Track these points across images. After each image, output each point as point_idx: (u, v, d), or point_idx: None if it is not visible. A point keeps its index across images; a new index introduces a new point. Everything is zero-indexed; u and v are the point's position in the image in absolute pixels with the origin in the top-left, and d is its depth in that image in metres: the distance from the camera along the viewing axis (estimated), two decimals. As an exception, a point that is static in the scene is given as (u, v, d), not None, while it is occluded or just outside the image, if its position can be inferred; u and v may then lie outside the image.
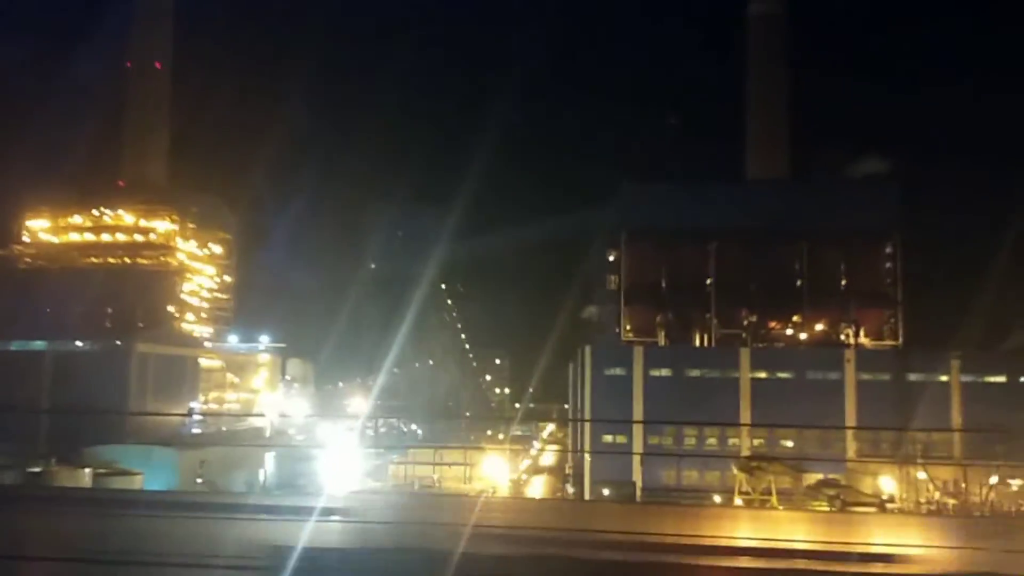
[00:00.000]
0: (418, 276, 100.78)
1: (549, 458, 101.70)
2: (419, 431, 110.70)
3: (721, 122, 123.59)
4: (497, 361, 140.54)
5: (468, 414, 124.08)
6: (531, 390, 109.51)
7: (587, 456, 68.19)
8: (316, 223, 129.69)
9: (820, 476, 57.87)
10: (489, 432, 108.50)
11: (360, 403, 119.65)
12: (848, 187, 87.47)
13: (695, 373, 69.76)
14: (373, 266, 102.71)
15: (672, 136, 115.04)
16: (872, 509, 50.46)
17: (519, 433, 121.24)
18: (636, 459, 66.60)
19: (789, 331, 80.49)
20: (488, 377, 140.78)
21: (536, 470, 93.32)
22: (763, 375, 69.17)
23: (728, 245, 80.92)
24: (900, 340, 79.59)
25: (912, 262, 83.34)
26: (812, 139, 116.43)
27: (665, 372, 70.32)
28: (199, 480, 60.35)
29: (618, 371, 70.19)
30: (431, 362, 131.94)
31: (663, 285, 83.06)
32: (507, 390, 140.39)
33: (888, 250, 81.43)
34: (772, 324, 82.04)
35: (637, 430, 68.04)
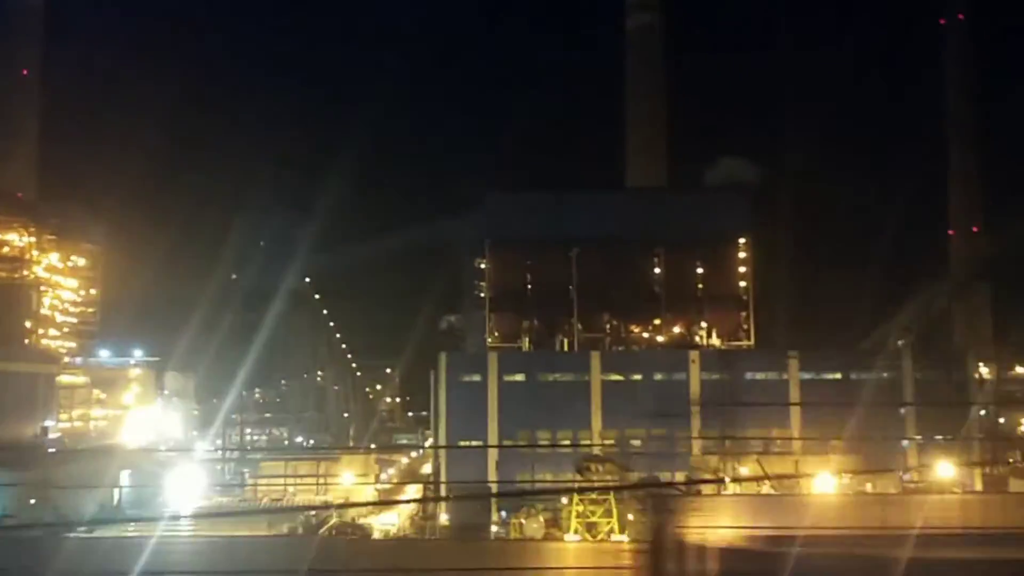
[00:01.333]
0: (291, 287, 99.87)
1: (429, 467, 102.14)
2: (306, 443, 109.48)
3: (602, 132, 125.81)
4: (388, 371, 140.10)
5: (352, 425, 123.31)
6: (407, 399, 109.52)
7: (443, 460, 68.83)
8: (191, 232, 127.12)
9: (643, 475, 59.80)
10: (374, 445, 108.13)
11: (244, 417, 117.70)
12: (703, 195, 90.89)
13: (548, 378, 71.18)
14: (234, 276, 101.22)
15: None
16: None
17: (404, 441, 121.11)
18: (492, 462, 67.61)
19: (648, 335, 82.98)
20: (379, 387, 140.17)
21: (414, 477, 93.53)
22: (615, 377, 71.06)
23: (590, 252, 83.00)
24: (752, 341, 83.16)
25: (766, 266, 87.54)
26: (691, 148, 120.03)
27: (519, 377, 71.57)
28: (32, 502, 58.37)
29: (474, 377, 71.07)
30: (320, 374, 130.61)
31: (528, 292, 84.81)
32: (397, 399, 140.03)
33: (741, 255, 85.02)
34: (633, 328, 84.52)
35: (493, 434, 69.01)
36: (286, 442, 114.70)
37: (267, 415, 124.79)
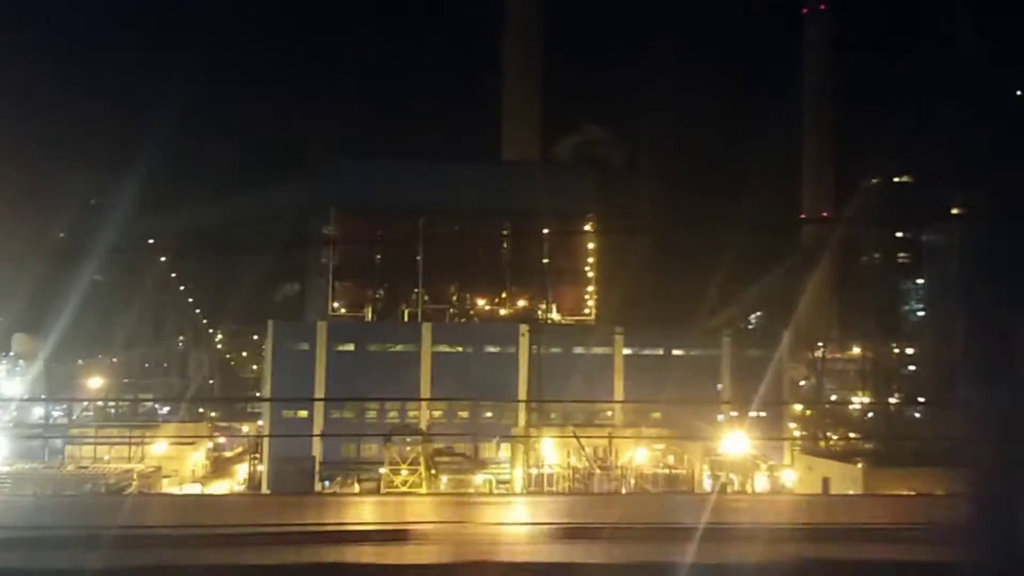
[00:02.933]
0: (135, 247, 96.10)
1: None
2: (162, 411, 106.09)
3: (480, 103, 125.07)
4: (255, 337, 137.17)
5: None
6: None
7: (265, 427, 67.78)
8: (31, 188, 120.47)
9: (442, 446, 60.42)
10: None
11: (100, 382, 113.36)
12: (551, 170, 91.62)
13: (379, 348, 70.78)
14: (62, 235, 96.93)
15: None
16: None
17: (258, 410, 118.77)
18: (316, 431, 67.04)
19: (492, 308, 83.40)
20: (244, 353, 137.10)
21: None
22: (445, 349, 71.14)
23: (438, 223, 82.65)
24: (593, 316, 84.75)
25: (614, 241, 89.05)
26: (566, 122, 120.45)
27: (349, 347, 70.90)
28: None
29: (302, 346, 70.04)
30: (180, 339, 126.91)
31: (374, 261, 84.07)
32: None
33: (587, 230, 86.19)
34: (478, 300, 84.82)
35: (318, 406, 68.26)
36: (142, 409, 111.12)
37: (126, 380, 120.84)
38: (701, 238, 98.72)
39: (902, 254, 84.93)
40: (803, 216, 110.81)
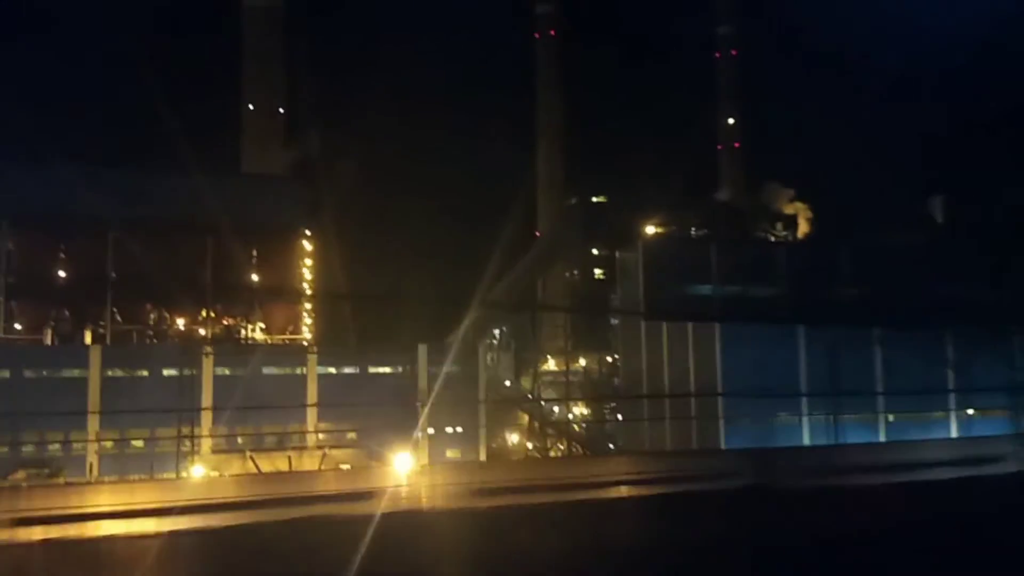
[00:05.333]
0: None
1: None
2: None
3: (221, 116, 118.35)
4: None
5: None
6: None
7: None
8: None
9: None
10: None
11: None
12: (261, 182, 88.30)
13: (38, 374, 64.01)
14: None
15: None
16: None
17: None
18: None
19: (190, 327, 78.37)
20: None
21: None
22: (119, 373, 65.59)
23: (131, 236, 76.41)
24: (308, 335, 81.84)
25: (333, 257, 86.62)
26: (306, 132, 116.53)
27: (5, 374, 63.60)
28: None
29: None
30: None
31: (57, 278, 76.52)
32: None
33: (302, 246, 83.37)
34: (179, 319, 79.46)
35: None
36: None
37: None
38: (433, 258, 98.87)
39: (598, 270, 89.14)
40: (537, 234, 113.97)
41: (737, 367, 65.74)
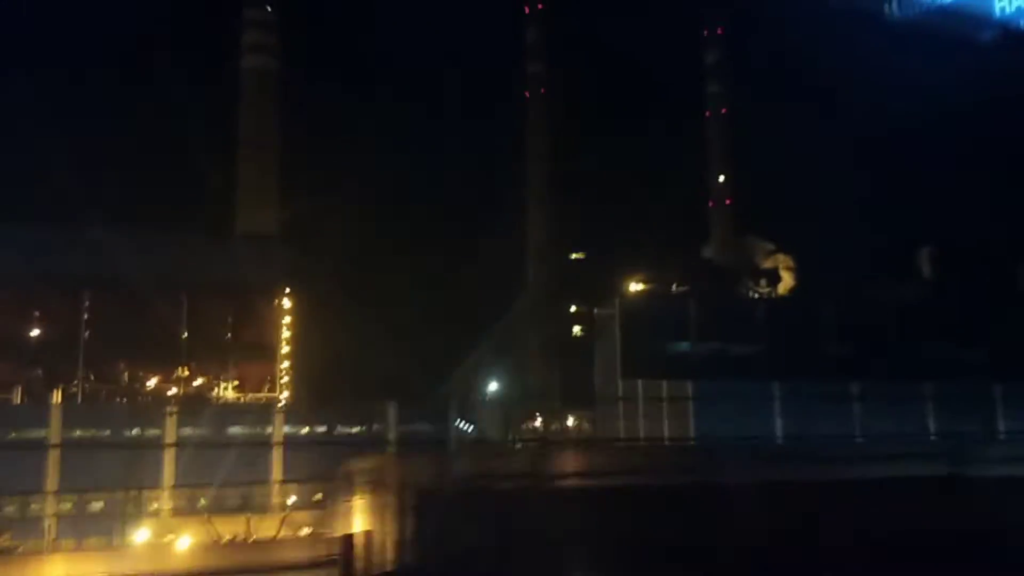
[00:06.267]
0: None
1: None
2: None
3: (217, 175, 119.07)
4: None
5: None
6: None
7: None
8: None
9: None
10: None
11: None
12: (239, 243, 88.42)
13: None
14: None
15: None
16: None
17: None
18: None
19: (161, 386, 77.72)
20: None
21: None
22: (79, 433, 64.73)
23: (105, 295, 76.48)
24: (284, 394, 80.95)
25: (312, 317, 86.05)
26: (303, 197, 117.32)
27: (-38, 435, 62.87)
28: None
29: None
30: None
31: (30, 337, 76.39)
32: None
33: (280, 304, 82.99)
34: (154, 378, 78.88)
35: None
36: None
37: None
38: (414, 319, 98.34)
39: (577, 327, 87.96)
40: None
41: (710, 423, 63.89)
